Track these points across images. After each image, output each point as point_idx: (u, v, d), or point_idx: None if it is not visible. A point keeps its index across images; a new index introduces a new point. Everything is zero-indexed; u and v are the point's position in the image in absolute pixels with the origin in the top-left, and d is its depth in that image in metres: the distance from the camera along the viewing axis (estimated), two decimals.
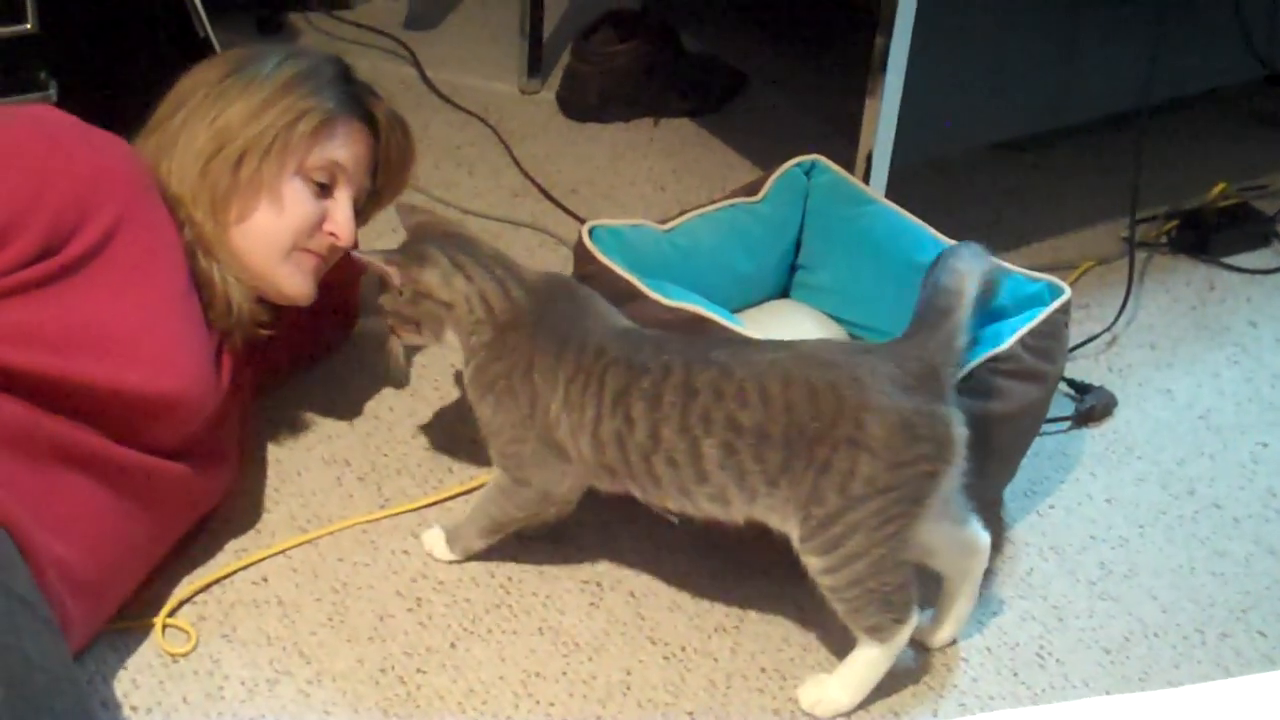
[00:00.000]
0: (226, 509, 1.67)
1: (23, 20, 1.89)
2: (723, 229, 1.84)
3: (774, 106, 2.55)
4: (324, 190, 1.63)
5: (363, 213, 1.72)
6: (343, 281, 1.81)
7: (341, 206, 1.64)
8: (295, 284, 1.65)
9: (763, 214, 1.87)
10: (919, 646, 1.57)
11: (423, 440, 1.81)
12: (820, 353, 1.46)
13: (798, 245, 1.92)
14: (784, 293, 1.95)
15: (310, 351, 1.90)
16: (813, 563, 1.43)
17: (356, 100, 1.67)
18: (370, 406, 1.86)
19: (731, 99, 2.59)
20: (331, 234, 1.64)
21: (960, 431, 1.43)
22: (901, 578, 1.44)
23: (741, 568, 1.65)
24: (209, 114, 1.58)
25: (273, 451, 1.77)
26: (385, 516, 1.70)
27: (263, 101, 1.59)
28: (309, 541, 1.65)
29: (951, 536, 1.51)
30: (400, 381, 1.87)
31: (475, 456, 1.77)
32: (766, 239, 1.88)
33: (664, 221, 1.81)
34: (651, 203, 2.31)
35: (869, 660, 1.47)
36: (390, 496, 1.73)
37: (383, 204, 1.77)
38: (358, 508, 1.71)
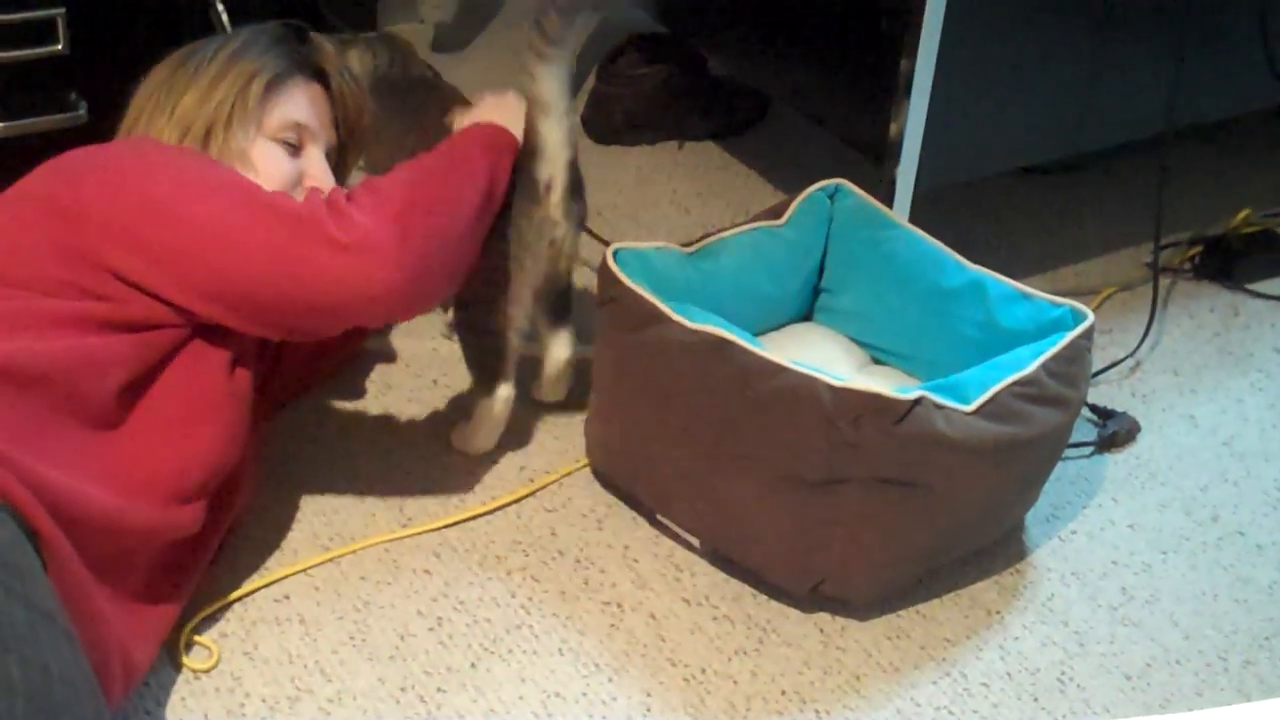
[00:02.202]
0: (249, 526, 1.68)
1: (54, 41, 1.90)
2: (746, 252, 1.84)
3: (798, 130, 2.54)
4: (294, 150, 1.68)
5: (339, 168, 1.78)
6: None
7: (314, 160, 1.70)
8: None
9: (786, 237, 1.87)
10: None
11: (445, 459, 1.81)
12: None
13: (821, 269, 1.92)
14: (807, 316, 1.95)
15: (328, 354, 1.90)
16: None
17: (304, 59, 1.72)
18: (392, 425, 1.87)
19: (756, 123, 2.59)
20: (313, 187, 1.66)
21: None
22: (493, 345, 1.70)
23: (762, 589, 1.66)
24: (167, 108, 1.63)
25: (295, 469, 1.77)
26: (407, 536, 1.70)
27: (212, 80, 1.64)
28: (331, 560, 1.65)
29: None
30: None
31: (498, 475, 1.78)
32: (790, 262, 1.88)
33: (688, 244, 1.81)
34: (675, 226, 2.30)
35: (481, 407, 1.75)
36: (412, 515, 1.72)
37: (352, 157, 1.82)
38: (379, 526, 1.71)
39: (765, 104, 2.60)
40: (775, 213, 1.88)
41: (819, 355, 1.80)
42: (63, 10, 1.89)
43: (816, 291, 1.94)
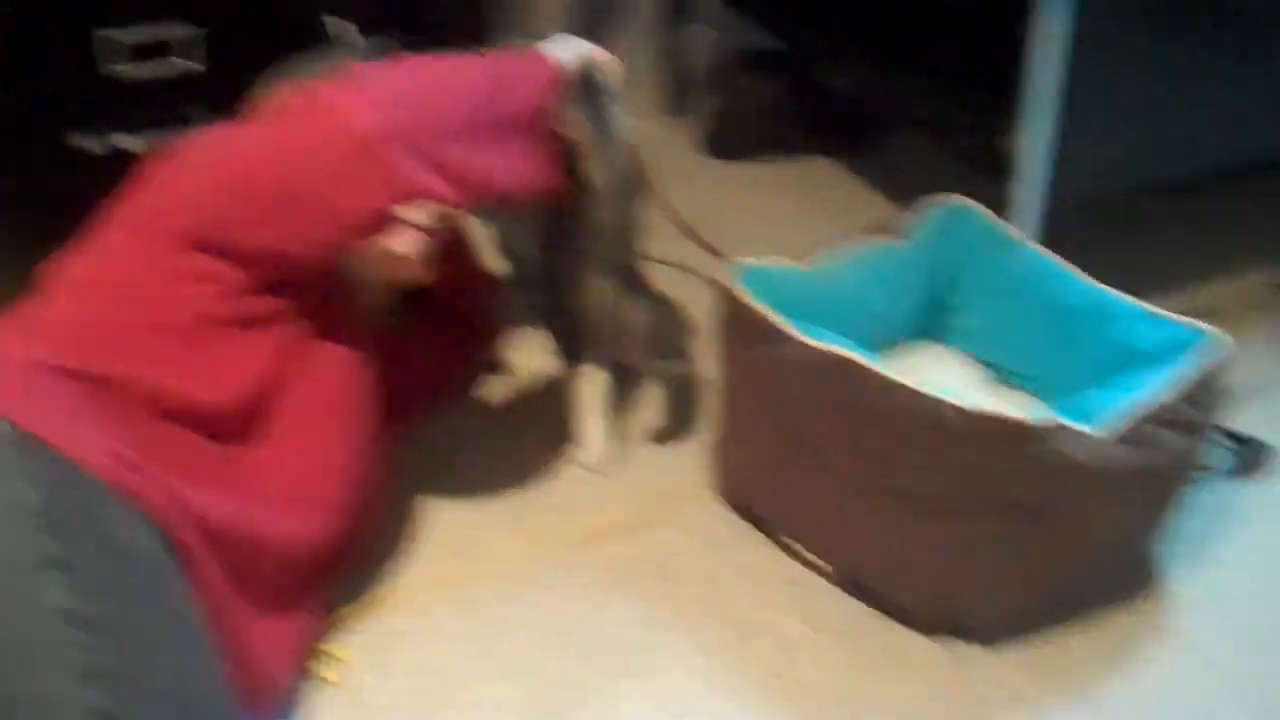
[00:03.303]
0: (383, 538, 1.69)
1: (196, 59, 1.95)
2: (864, 269, 1.84)
3: (917, 146, 2.53)
4: None
5: None
6: (465, 288, 1.86)
7: None
8: (400, 240, 1.66)
9: (905, 255, 1.86)
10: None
11: (569, 477, 1.82)
12: None
13: (941, 287, 1.91)
14: (927, 335, 1.94)
15: (450, 371, 1.92)
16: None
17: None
18: (524, 444, 1.88)
19: (874, 138, 2.60)
20: None
21: None
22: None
23: (892, 615, 1.64)
24: None
25: (428, 486, 1.79)
26: (538, 553, 1.70)
27: None
28: (463, 574, 1.66)
29: None
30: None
31: (627, 496, 1.79)
32: (908, 280, 1.88)
33: (807, 262, 1.81)
34: (793, 242, 2.25)
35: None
36: (543, 533, 1.73)
37: None
38: (511, 543, 1.72)
39: (884, 119, 2.59)
40: (893, 230, 1.88)
41: (941, 375, 1.80)
42: (206, 30, 1.94)
43: (938, 310, 1.93)
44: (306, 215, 1.45)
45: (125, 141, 1.92)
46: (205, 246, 1.46)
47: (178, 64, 1.94)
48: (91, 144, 1.95)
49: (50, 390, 1.34)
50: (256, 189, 1.46)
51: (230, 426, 1.47)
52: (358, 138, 1.42)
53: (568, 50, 1.64)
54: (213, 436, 1.45)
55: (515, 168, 1.55)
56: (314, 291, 1.54)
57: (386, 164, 1.43)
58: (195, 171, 1.50)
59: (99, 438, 1.32)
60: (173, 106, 1.94)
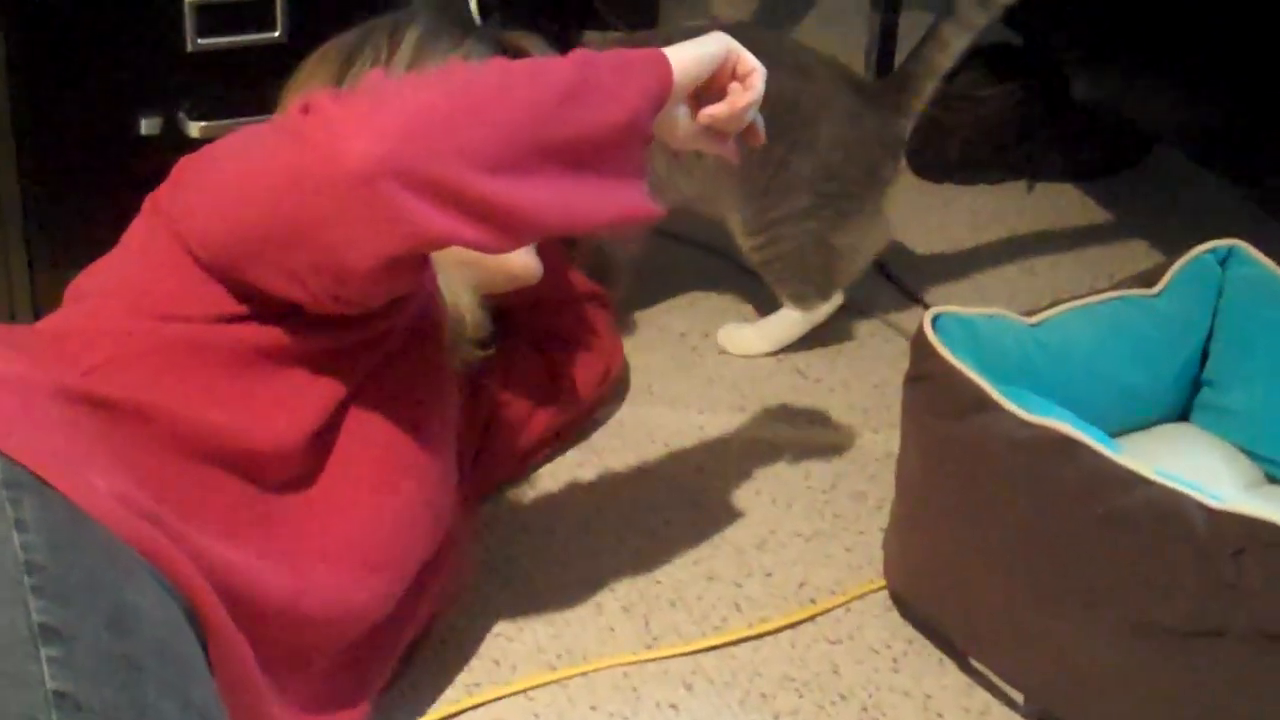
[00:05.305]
0: (458, 632, 1.69)
1: (272, 28, 2.00)
2: (1106, 327, 1.83)
3: (1185, 176, 2.55)
4: None
5: None
6: (564, 302, 1.95)
7: None
8: (520, 258, 1.77)
9: (1160, 311, 1.85)
10: None
11: (706, 566, 1.81)
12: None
13: (1204, 355, 1.88)
14: (1182, 415, 1.92)
15: (549, 419, 1.94)
16: (745, 241, 2.14)
17: (495, 41, 1.76)
18: (645, 519, 1.88)
19: (1130, 163, 2.61)
20: None
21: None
22: (823, 260, 2.13)
23: None
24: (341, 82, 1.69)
25: (520, 565, 1.80)
26: (652, 659, 1.68)
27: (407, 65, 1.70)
28: (557, 682, 1.65)
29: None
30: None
31: (772, 590, 1.78)
32: (1163, 344, 1.86)
33: (1030, 313, 1.80)
34: (1016, 288, 2.30)
35: (786, 319, 2.19)
36: (660, 634, 1.72)
37: None
38: (619, 645, 1.70)
39: (1145, 141, 2.58)
40: (1147, 279, 1.86)
41: (1194, 466, 1.74)
42: None
43: (1196, 384, 1.90)
44: (308, 261, 1.43)
45: (191, 126, 1.98)
46: (222, 277, 1.47)
47: (260, 34, 2.00)
48: (158, 128, 2.02)
49: (57, 418, 1.35)
50: (248, 222, 1.45)
51: (280, 473, 1.47)
52: (351, 172, 1.37)
53: (701, 50, 1.56)
54: (257, 483, 1.46)
55: (588, 199, 1.49)
56: (389, 324, 1.55)
57: (387, 204, 1.38)
58: (203, 188, 1.50)
59: (112, 478, 1.32)
60: (248, 80, 2.00)
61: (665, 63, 1.49)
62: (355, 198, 1.36)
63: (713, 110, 1.53)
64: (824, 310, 2.17)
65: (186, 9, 1.96)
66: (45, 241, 1.99)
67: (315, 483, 1.50)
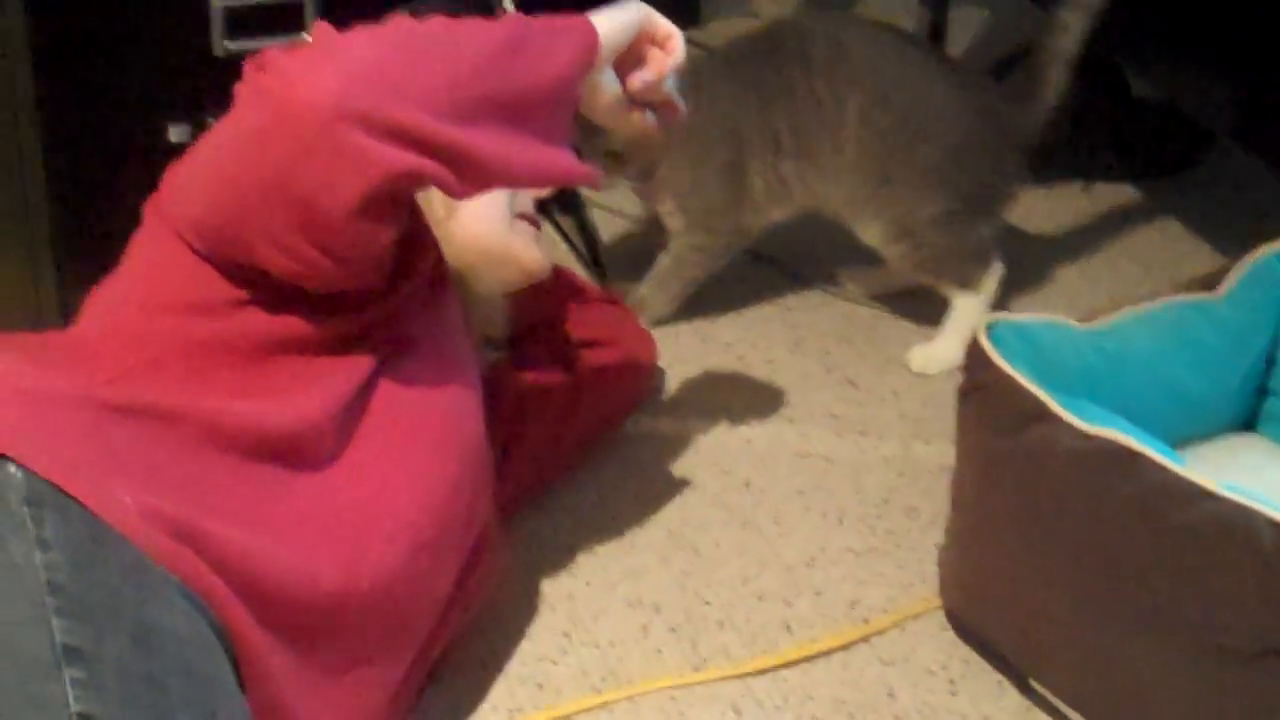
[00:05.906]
0: (498, 654, 1.69)
1: (301, 30, 2.02)
2: (1166, 333, 1.81)
3: (1248, 176, 2.56)
4: None
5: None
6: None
7: None
8: (531, 252, 1.83)
9: (1223, 317, 1.84)
10: None
11: (755, 585, 1.80)
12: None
13: (1270, 362, 1.86)
14: (1248, 425, 1.90)
15: (579, 427, 1.95)
16: (889, 250, 2.16)
17: None
18: (692, 536, 1.87)
19: (1193, 163, 2.61)
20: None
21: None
22: (973, 233, 2.15)
23: None
24: None
25: (564, 585, 1.79)
26: (700, 682, 1.67)
27: None
28: (602, 706, 1.64)
29: None
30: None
31: (823, 611, 1.77)
32: (1225, 351, 1.85)
33: (1088, 319, 1.79)
34: (1075, 293, 2.31)
35: (964, 309, 2.16)
36: (708, 656, 1.71)
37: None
38: (666, 667, 1.70)
39: (1207, 139, 2.59)
40: (1209, 283, 1.85)
41: (1261, 479, 1.70)
42: None
43: (1262, 392, 1.89)
44: (285, 221, 1.46)
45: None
46: (221, 263, 1.50)
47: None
48: (187, 135, 2.03)
49: (81, 429, 1.35)
50: (225, 193, 1.48)
51: (310, 453, 1.48)
52: (316, 114, 1.42)
53: (623, 15, 1.62)
54: (289, 467, 1.46)
55: (529, 153, 1.55)
56: (410, 309, 1.57)
57: (346, 143, 1.42)
58: (188, 177, 1.54)
59: (139, 492, 1.32)
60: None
61: (591, 27, 1.56)
62: (317, 141, 1.41)
63: (643, 74, 1.60)
64: (991, 284, 2.17)
65: (214, 12, 1.96)
66: (74, 252, 2.00)
67: (345, 458, 1.51)
